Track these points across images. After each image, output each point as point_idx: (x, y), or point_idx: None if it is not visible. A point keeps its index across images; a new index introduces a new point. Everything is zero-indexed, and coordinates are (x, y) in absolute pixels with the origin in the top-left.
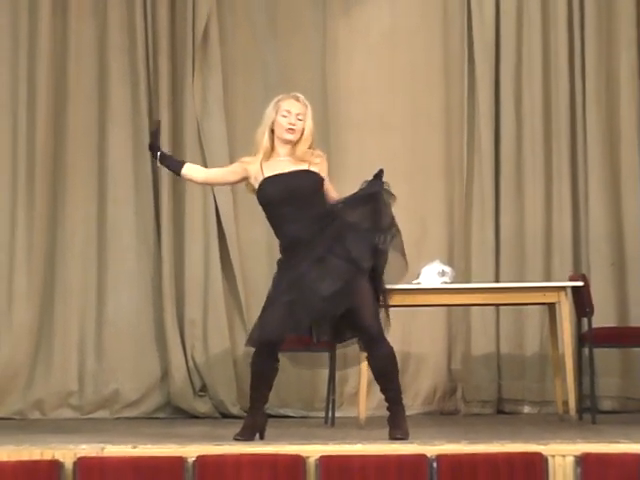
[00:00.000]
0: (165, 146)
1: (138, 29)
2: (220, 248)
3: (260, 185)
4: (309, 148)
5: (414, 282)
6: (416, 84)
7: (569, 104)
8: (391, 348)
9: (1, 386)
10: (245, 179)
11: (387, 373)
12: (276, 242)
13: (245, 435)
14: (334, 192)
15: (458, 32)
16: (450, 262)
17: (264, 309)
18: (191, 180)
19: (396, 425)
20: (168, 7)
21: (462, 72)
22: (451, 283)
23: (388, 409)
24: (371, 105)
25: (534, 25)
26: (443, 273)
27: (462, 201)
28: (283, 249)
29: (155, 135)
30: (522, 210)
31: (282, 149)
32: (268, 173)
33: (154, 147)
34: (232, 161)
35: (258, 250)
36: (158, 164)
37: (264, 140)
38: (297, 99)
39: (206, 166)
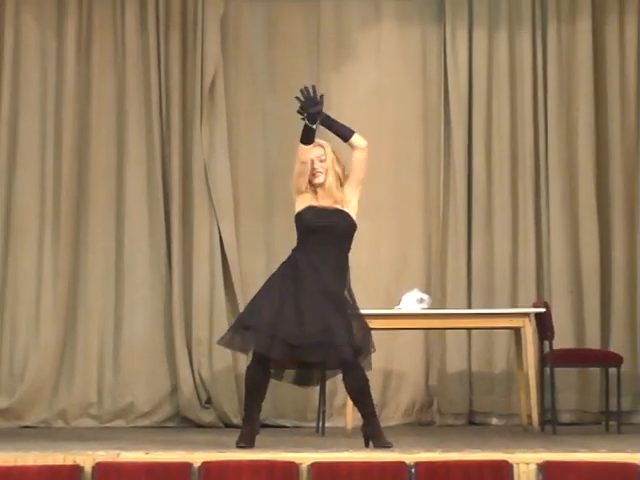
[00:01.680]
0: (175, 185)
1: (153, 82)
2: (224, 275)
3: (303, 210)
4: (341, 185)
5: (396, 308)
6: (399, 133)
7: (533, 151)
8: (363, 369)
9: (29, 397)
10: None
11: (364, 391)
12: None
13: (246, 442)
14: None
15: (436, 89)
16: (428, 290)
17: (253, 313)
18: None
19: (379, 435)
20: (179, 63)
21: (439, 123)
22: (428, 309)
23: (367, 423)
24: None
25: (503, 83)
26: (421, 300)
27: (438, 236)
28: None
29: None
30: (491, 244)
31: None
32: (313, 203)
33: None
34: (235, 196)
35: (257, 276)
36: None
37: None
38: (321, 145)
39: (213, 206)
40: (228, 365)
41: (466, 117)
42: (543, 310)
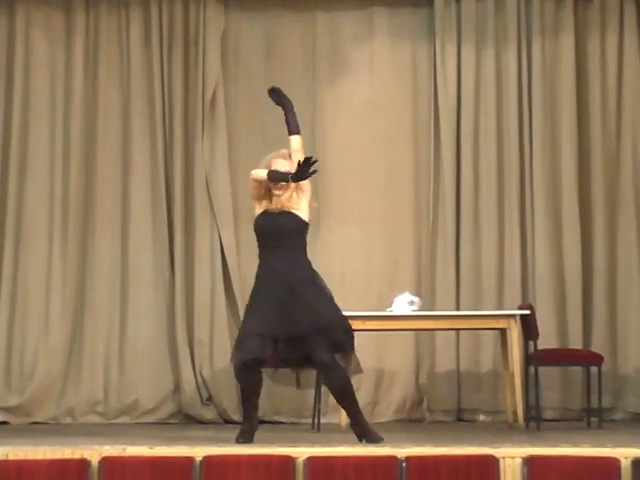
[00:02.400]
0: (177, 195)
1: (156, 96)
2: (224, 279)
3: (257, 217)
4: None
5: (388, 310)
6: (391, 144)
7: (519, 161)
8: (344, 370)
9: (38, 396)
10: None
11: (346, 391)
12: None
13: (245, 438)
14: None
15: (426, 101)
16: (418, 293)
17: (244, 326)
18: None
19: (368, 432)
20: (182, 78)
21: (429, 135)
22: (419, 311)
23: (354, 422)
24: (353, 161)
25: (489, 96)
26: (412, 302)
27: (428, 242)
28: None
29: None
30: (479, 250)
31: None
32: (265, 208)
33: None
34: (235, 206)
35: None
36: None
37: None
38: (285, 158)
39: (214, 215)
40: (228, 365)
41: (455, 129)
42: (528, 312)
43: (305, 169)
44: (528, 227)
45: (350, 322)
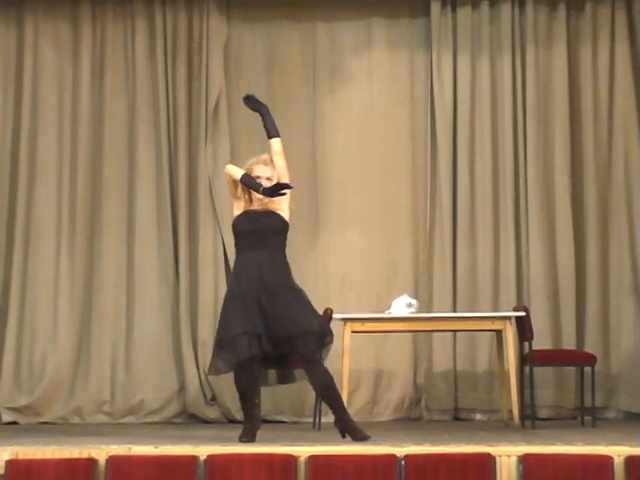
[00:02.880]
0: (182, 199)
1: (161, 104)
2: (227, 281)
3: (237, 217)
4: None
5: (386, 312)
6: (388, 151)
7: (513, 166)
8: (324, 366)
9: (47, 396)
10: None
11: (329, 386)
12: None
13: (248, 437)
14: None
15: (423, 109)
16: (416, 295)
17: (227, 327)
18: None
19: (353, 428)
20: (185, 86)
21: (426, 141)
22: (416, 313)
23: (338, 418)
24: (352, 167)
25: (485, 103)
26: (410, 305)
27: (426, 246)
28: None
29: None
30: (475, 253)
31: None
32: (246, 208)
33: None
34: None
35: None
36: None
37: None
38: (266, 163)
39: (217, 218)
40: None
41: (451, 135)
42: (523, 314)
43: (277, 189)
44: (522, 231)
45: (332, 326)
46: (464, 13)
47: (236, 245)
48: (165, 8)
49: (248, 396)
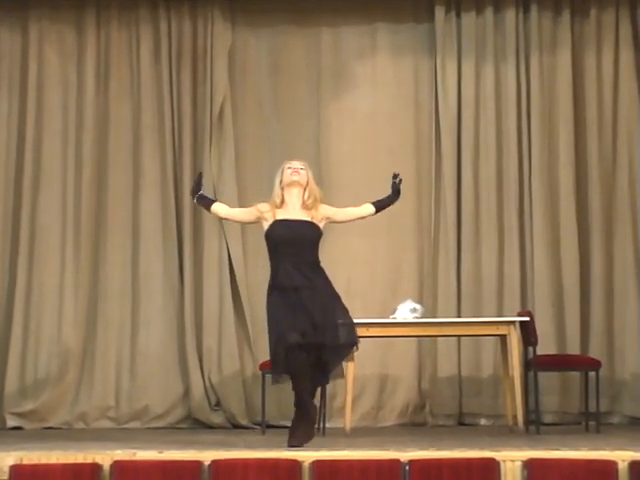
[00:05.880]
0: (187, 204)
1: (166, 110)
2: (232, 288)
3: (271, 225)
4: (314, 202)
5: (391, 317)
6: (393, 156)
7: (518, 172)
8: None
9: (52, 401)
10: (258, 220)
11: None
12: None
13: (300, 440)
14: (346, 209)
15: (427, 115)
16: (420, 301)
17: (273, 325)
18: (216, 214)
19: (292, 434)
20: (190, 92)
21: (430, 147)
22: (421, 318)
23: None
24: (356, 173)
25: (489, 110)
26: (414, 310)
27: (430, 251)
28: (274, 281)
29: (197, 183)
30: (479, 258)
31: (290, 198)
32: (279, 217)
33: (194, 191)
34: None
35: (263, 289)
36: (195, 202)
37: (276, 194)
38: (297, 161)
39: (222, 225)
40: (235, 371)
41: (455, 141)
42: (527, 319)
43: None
44: (527, 236)
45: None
46: (468, 19)
47: (273, 254)
48: (170, 14)
49: (301, 377)
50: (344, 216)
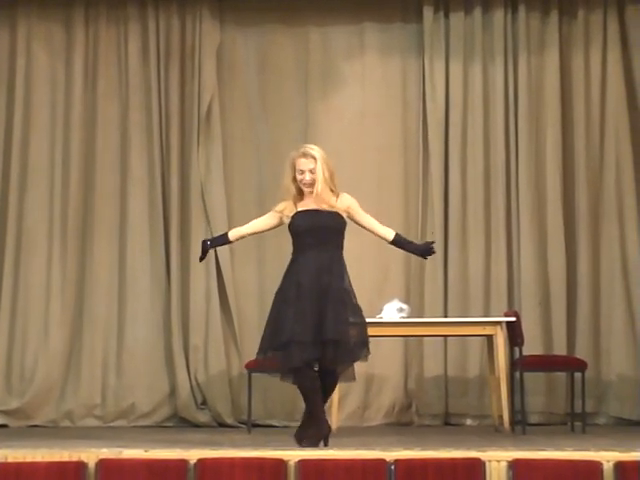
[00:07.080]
0: (174, 203)
1: (153, 108)
2: (219, 287)
3: (293, 217)
4: (332, 191)
5: (377, 317)
6: (381, 155)
7: (505, 172)
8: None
9: (38, 399)
10: (281, 221)
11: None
12: (265, 281)
13: (312, 442)
14: (369, 218)
15: (415, 114)
16: (407, 300)
17: (280, 320)
18: (241, 238)
19: (300, 432)
20: (178, 91)
21: (418, 146)
22: (408, 318)
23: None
24: (344, 172)
25: (477, 109)
26: (401, 310)
27: None
28: (296, 268)
29: (203, 252)
30: (466, 258)
31: (307, 192)
32: (300, 208)
33: (204, 252)
34: (229, 215)
35: (250, 288)
36: (211, 249)
37: (292, 189)
38: (306, 156)
39: (209, 223)
40: (222, 370)
41: (443, 141)
42: (514, 319)
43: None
44: (514, 236)
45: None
46: (456, 19)
47: (295, 245)
48: (158, 12)
49: (315, 394)
50: (361, 219)
